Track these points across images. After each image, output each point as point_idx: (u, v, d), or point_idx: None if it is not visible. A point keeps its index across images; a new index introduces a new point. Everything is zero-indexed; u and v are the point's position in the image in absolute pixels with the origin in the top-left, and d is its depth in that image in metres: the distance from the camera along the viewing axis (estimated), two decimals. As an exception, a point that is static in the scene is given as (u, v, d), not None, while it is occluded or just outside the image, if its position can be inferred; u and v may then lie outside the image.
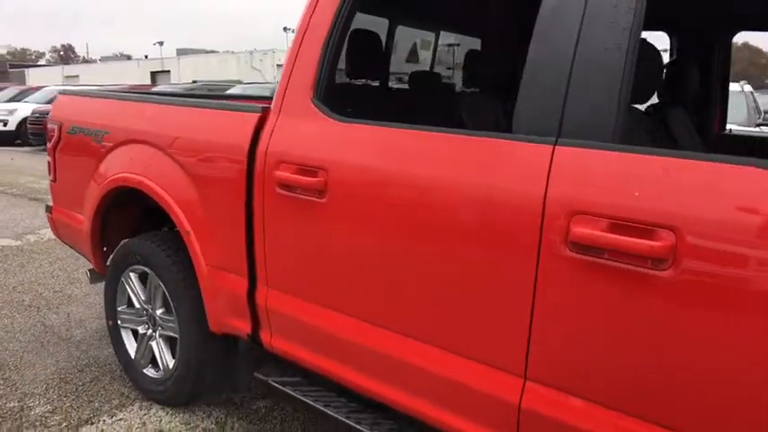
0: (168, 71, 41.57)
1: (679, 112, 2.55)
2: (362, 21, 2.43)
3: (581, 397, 1.39)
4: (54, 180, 3.09)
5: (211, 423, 2.52)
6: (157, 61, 45.28)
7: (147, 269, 2.57)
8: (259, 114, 2.04)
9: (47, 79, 38.68)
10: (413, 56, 2.85)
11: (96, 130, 2.72)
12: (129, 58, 59.29)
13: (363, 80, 2.37)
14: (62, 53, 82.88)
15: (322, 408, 1.91)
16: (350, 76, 2.25)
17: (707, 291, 1.19)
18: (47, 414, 2.57)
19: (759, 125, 7.24)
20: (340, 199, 1.76)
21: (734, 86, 8.42)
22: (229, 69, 34.86)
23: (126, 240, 2.71)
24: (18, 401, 2.66)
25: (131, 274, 2.67)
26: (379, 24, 2.70)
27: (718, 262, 1.17)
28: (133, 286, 2.67)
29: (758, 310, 1.13)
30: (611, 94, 1.33)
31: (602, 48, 1.36)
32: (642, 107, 2.33)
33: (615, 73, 1.34)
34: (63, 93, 3.16)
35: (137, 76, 38.53)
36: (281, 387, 2.04)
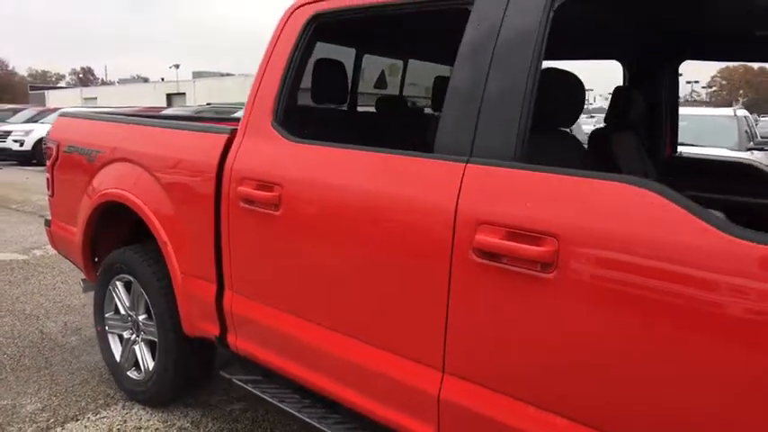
0: (183, 93, 42.47)
1: (628, 135, 2.72)
2: (330, 50, 2.66)
3: (492, 389, 1.56)
4: (52, 195, 3.33)
5: (187, 422, 2.70)
6: (173, 84, 46.27)
7: (131, 278, 2.78)
8: (227, 136, 2.26)
9: (66, 101, 39.73)
10: (381, 82, 3.07)
11: (89, 149, 2.96)
12: (146, 80, 60.69)
13: (329, 104, 2.58)
14: (81, 75, 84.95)
15: (277, 403, 2.09)
16: (315, 101, 2.46)
17: (585, 290, 1.36)
18: (36, 411, 2.76)
19: (749, 149, 7.34)
20: (291, 211, 1.96)
21: (726, 111, 8.57)
22: (244, 92, 35.52)
23: (113, 251, 2.92)
24: (11, 399, 2.86)
25: (118, 283, 2.88)
26: (349, 53, 2.92)
27: (594, 265, 1.34)
28: (119, 294, 2.88)
29: (629, 307, 1.30)
30: (514, 120, 1.53)
31: (508, 80, 1.56)
32: (587, 129, 2.52)
33: (517, 102, 1.53)
34: (62, 114, 3.41)
35: (153, 98, 39.35)
36: (242, 384, 2.22)
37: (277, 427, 2.66)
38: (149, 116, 3.04)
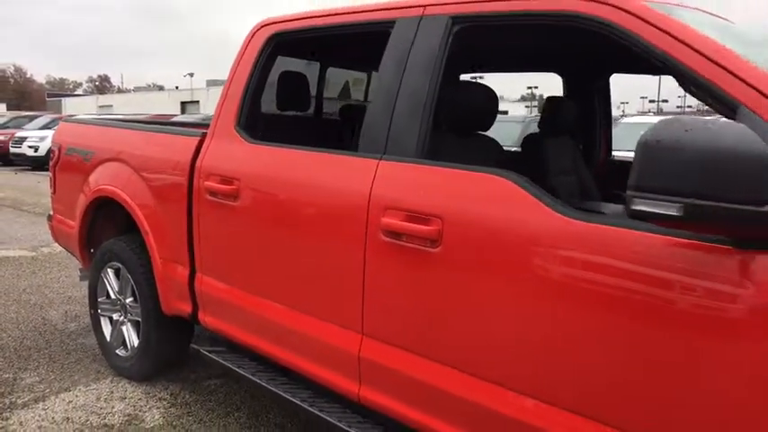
0: (197, 101, 43.24)
1: (563, 140, 3.02)
2: (295, 64, 3.00)
3: (401, 347, 1.87)
4: (54, 192, 3.70)
5: (167, 394, 3.03)
6: (187, 92, 47.14)
7: (120, 265, 3.12)
8: (199, 138, 2.61)
9: (82, 108, 40.59)
10: (345, 92, 3.41)
11: (86, 150, 3.32)
12: (161, 88, 61.74)
13: (293, 112, 2.91)
14: (98, 83, 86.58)
15: (236, 368, 2.41)
16: (279, 108, 2.80)
17: (462, 261, 1.67)
18: (34, 383, 3.11)
19: None
20: (246, 201, 2.30)
21: None
22: (254, 99, 36.03)
23: (105, 242, 3.27)
24: (12, 374, 3.21)
25: (108, 270, 3.22)
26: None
27: (467, 240, 1.66)
28: (110, 280, 3.23)
29: (493, 272, 1.61)
30: (416, 125, 1.85)
31: (414, 92, 1.88)
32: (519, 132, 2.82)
33: (419, 110, 1.85)
34: (64, 120, 3.79)
35: (167, 105, 40.12)
36: (208, 354, 2.55)
37: (248, 401, 2.97)
38: (138, 121, 3.39)
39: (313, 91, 3.31)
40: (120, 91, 73.35)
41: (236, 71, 2.56)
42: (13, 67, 71.00)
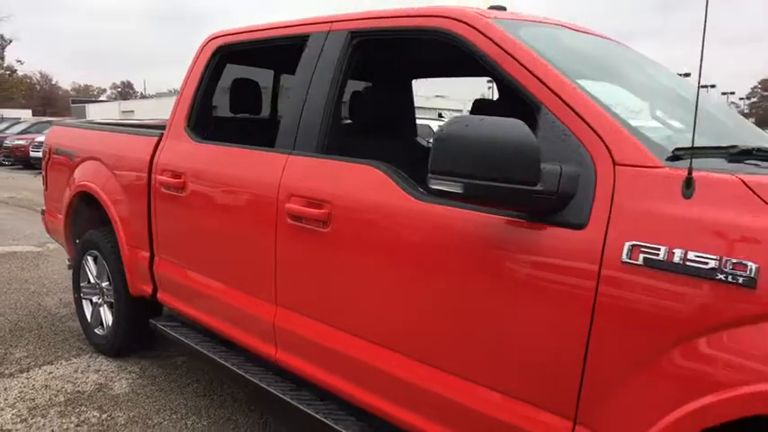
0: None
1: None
2: (256, 72, 3.33)
3: (305, 315, 2.18)
4: (46, 189, 4.10)
5: (137, 368, 3.38)
6: (205, 97, 47.86)
7: (97, 253, 3.49)
8: (157, 138, 2.96)
9: (105, 114, 41.59)
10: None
11: (71, 150, 3.70)
12: (181, 93, 62.67)
13: (246, 114, 3.24)
14: (121, 89, 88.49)
15: (183, 339, 2.75)
16: (232, 111, 3.14)
17: (346, 238, 1.98)
18: (22, 357, 3.49)
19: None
20: (189, 192, 2.64)
21: None
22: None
23: (86, 233, 3.64)
24: (4, 349, 3.60)
25: (88, 257, 3.59)
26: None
27: (348, 220, 1.97)
28: (89, 266, 3.60)
29: (369, 246, 1.92)
30: (318, 125, 2.17)
31: (317, 96, 2.20)
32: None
33: (321, 111, 2.17)
34: (55, 124, 4.18)
35: (185, 110, 40.68)
36: (163, 328, 2.90)
37: (207, 375, 3.31)
38: (114, 124, 3.76)
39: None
40: (142, 97, 74.93)
41: (188, 79, 2.90)
42: (39, 74, 72.98)
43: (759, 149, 1.59)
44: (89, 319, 3.64)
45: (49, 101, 70.46)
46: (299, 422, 2.72)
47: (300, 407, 2.15)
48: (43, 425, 2.74)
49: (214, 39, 2.87)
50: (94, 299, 3.61)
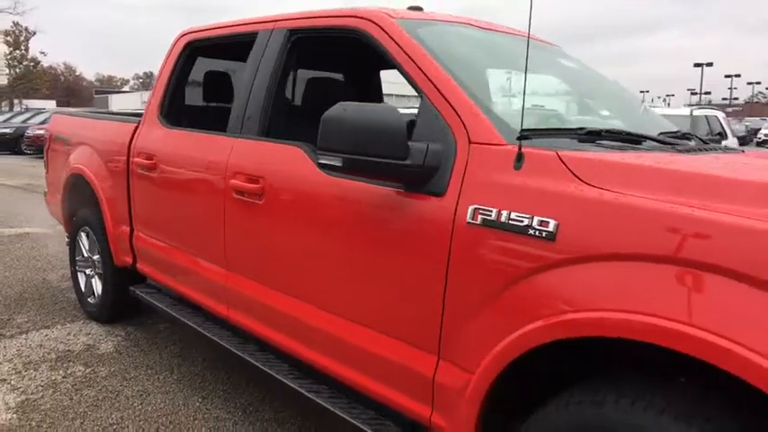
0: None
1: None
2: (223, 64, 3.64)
3: (249, 277, 2.51)
4: (47, 172, 4.49)
5: (123, 332, 3.75)
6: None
7: (89, 229, 3.86)
8: (135, 124, 3.30)
9: (127, 104, 42.52)
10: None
11: (67, 137, 4.08)
12: (201, 84, 63.58)
13: (220, 103, 3.57)
14: (143, 80, 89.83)
15: (155, 302, 3.11)
16: (206, 100, 3.46)
17: (276, 209, 2.30)
18: (23, 322, 3.89)
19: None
20: (159, 172, 2.98)
21: (682, 111, 9.07)
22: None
23: (80, 211, 4.02)
24: (8, 316, 4.00)
25: (82, 233, 3.97)
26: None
27: (278, 192, 2.28)
28: (83, 242, 3.98)
29: (289, 214, 2.23)
30: (260, 111, 2.48)
31: (260, 85, 2.51)
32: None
33: (263, 99, 2.48)
34: (55, 113, 4.57)
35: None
36: (140, 294, 3.26)
37: (184, 340, 3.67)
38: (104, 113, 4.13)
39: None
40: (163, 87, 75.86)
41: (162, 72, 3.24)
42: (63, 66, 74.52)
43: (608, 131, 1.87)
44: (83, 290, 4.03)
45: (73, 92, 71.88)
46: (257, 375, 3.05)
47: (243, 356, 2.49)
48: (34, 377, 3.13)
49: (184, 35, 3.20)
50: (87, 271, 3.99)
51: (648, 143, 1.95)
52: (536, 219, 1.51)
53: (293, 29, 2.50)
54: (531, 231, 1.51)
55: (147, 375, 3.16)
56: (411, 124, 1.83)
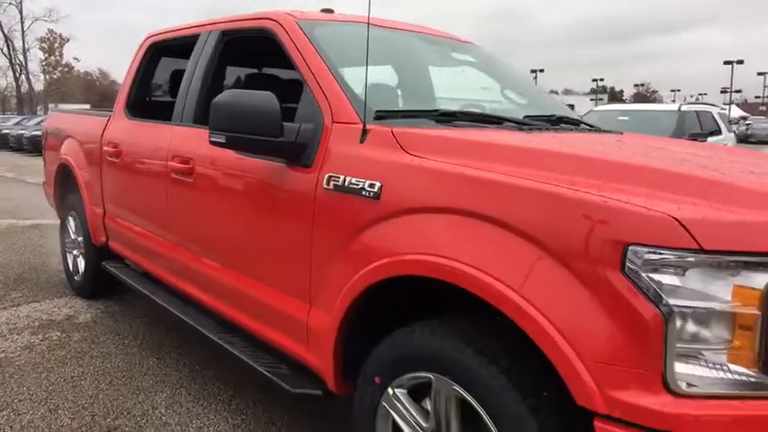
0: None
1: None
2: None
3: (188, 249, 2.87)
4: (45, 165, 4.95)
5: (102, 305, 4.17)
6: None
7: (75, 213, 4.29)
8: (108, 118, 3.71)
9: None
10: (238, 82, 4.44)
11: (58, 131, 4.53)
12: (228, 88, 65.02)
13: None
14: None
15: (119, 274, 3.50)
16: (171, 95, 3.85)
17: (202, 184, 2.65)
18: (17, 297, 4.34)
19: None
20: (123, 158, 3.37)
21: (671, 107, 9.16)
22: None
23: (68, 197, 4.45)
24: (4, 292, 4.46)
25: (70, 218, 4.41)
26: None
27: (203, 172, 2.63)
28: (70, 224, 4.41)
29: (208, 188, 2.58)
30: (195, 100, 2.84)
31: (198, 80, 2.88)
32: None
33: (198, 89, 2.84)
34: (53, 110, 5.03)
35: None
36: (110, 269, 3.66)
37: (154, 312, 4.05)
38: (90, 109, 4.57)
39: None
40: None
41: (129, 69, 3.65)
42: (98, 71, 77.04)
43: (462, 113, 2.18)
44: (71, 268, 4.47)
45: (106, 96, 74.10)
46: (203, 339, 3.41)
47: (182, 317, 2.86)
48: (16, 340, 3.55)
49: (148, 38, 3.60)
50: (74, 252, 4.42)
51: (506, 124, 2.25)
52: (367, 182, 1.83)
53: (225, 30, 2.86)
54: (364, 192, 1.83)
55: (114, 340, 3.56)
56: None
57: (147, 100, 3.70)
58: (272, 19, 2.52)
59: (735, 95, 62.53)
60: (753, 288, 1.26)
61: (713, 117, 9.48)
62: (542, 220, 1.42)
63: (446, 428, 1.65)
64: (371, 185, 1.81)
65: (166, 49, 3.60)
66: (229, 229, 2.49)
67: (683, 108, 8.72)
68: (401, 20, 2.92)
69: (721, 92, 64.36)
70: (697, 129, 8.59)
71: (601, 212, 1.34)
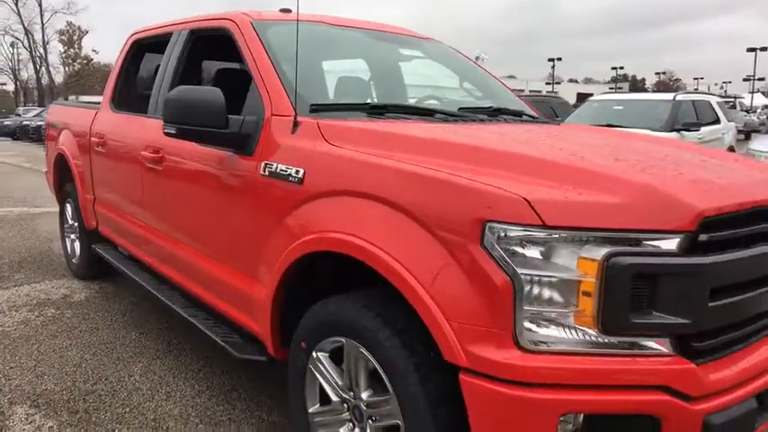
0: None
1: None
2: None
3: (161, 230, 3.12)
4: (46, 155, 5.26)
5: (97, 286, 4.47)
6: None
7: (71, 200, 4.59)
8: (96, 111, 3.98)
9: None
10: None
11: (58, 123, 4.82)
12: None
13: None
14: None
15: (108, 258, 3.78)
16: (144, 88, 4.09)
17: (169, 174, 2.90)
18: (20, 278, 4.66)
19: (675, 130, 8.05)
20: (107, 148, 3.64)
21: (666, 96, 9.19)
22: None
23: (66, 185, 4.75)
24: (9, 273, 4.79)
25: (67, 205, 4.71)
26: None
27: (171, 160, 2.88)
28: (68, 212, 4.71)
29: (172, 174, 2.82)
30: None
31: (169, 73, 3.11)
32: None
33: (168, 88, 3.08)
34: (54, 104, 5.33)
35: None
36: (98, 251, 3.95)
37: (143, 292, 4.34)
38: (86, 103, 4.85)
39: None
40: (211, 82, 78.63)
41: (115, 65, 3.90)
42: (118, 63, 78.24)
43: (394, 106, 2.38)
44: (69, 252, 4.77)
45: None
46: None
47: (153, 291, 3.12)
48: (14, 315, 3.86)
49: (133, 35, 3.85)
50: (72, 236, 4.73)
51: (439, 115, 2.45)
52: (293, 169, 2.05)
53: (192, 29, 3.10)
54: (291, 178, 2.05)
55: (102, 317, 3.85)
56: None
57: (130, 94, 3.95)
58: (230, 19, 2.74)
59: (759, 83, 61.29)
60: (593, 259, 1.46)
61: (711, 106, 9.49)
62: (421, 200, 1.63)
63: (356, 384, 1.88)
64: (297, 172, 2.03)
65: (148, 46, 3.84)
66: (191, 213, 2.74)
67: (679, 97, 8.75)
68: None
69: (744, 80, 63.12)
70: (692, 118, 8.63)
71: (466, 193, 1.55)
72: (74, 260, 4.68)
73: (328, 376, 2.00)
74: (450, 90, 2.98)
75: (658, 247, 1.50)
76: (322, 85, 2.71)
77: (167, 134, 2.35)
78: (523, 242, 1.48)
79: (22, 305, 4.05)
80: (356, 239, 1.75)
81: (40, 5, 44.32)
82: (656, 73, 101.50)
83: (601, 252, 1.46)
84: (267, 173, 2.17)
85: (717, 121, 9.42)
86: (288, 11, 3.01)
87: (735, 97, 31.88)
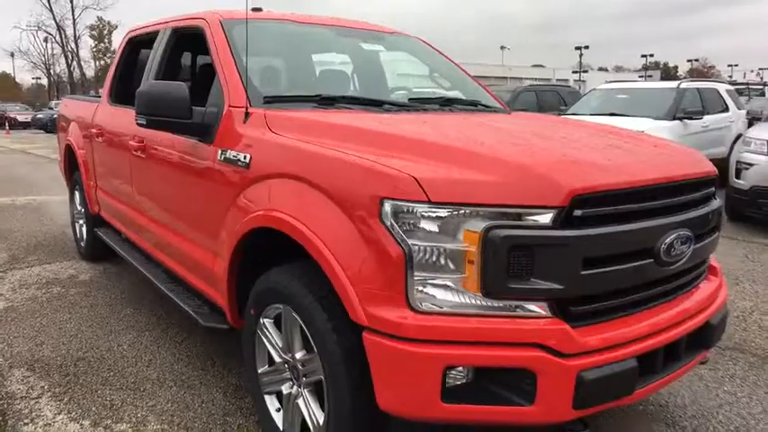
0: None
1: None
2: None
3: (146, 214, 3.41)
4: (58, 145, 5.62)
5: (102, 268, 4.80)
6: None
7: (78, 187, 4.93)
8: (98, 104, 4.29)
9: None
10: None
11: (67, 116, 5.16)
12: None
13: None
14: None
15: (107, 240, 4.10)
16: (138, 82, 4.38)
17: (150, 161, 3.17)
18: (33, 260, 5.03)
19: (677, 118, 8.05)
20: (104, 138, 3.94)
21: (670, 84, 9.16)
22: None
23: (74, 173, 5.09)
24: (24, 255, 5.17)
25: (76, 192, 5.05)
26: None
27: (151, 148, 3.15)
28: (77, 198, 5.06)
29: (159, 163, 3.09)
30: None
31: (153, 70, 3.38)
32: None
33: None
34: (65, 98, 5.68)
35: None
36: (99, 234, 4.27)
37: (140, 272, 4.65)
38: (92, 97, 5.18)
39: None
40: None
41: (114, 61, 4.20)
42: (148, 57, 79.93)
43: (344, 97, 2.60)
44: (78, 236, 5.13)
45: (155, 81, 76.69)
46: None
47: (140, 268, 3.41)
48: (23, 293, 4.21)
49: (129, 33, 4.14)
50: (80, 221, 5.07)
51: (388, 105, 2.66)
52: (242, 154, 2.29)
53: (175, 28, 3.36)
54: (240, 163, 2.29)
55: (103, 295, 4.17)
56: None
57: (125, 88, 4.24)
58: (203, 18, 2.99)
59: (793, 69, 59.25)
60: (474, 231, 1.67)
61: (719, 94, 9.42)
62: (333, 180, 1.86)
63: (291, 344, 2.12)
64: (245, 157, 2.28)
65: (142, 43, 4.12)
66: (168, 196, 3.01)
67: (683, 86, 8.72)
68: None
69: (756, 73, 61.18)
70: (697, 106, 8.60)
71: (367, 173, 1.77)
72: (81, 243, 5.03)
73: (272, 340, 2.24)
74: (417, 79, 3.17)
75: (536, 221, 1.69)
76: (278, 78, 2.94)
77: (139, 125, 2.61)
78: (414, 216, 1.69)
79: (31, 284, 4.41)
80: (285, 216, 1.99)
81: (71, 2, 45.54)
82: (689, 60, 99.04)
83: (481, 225, 1.66)
84: (223, 158, 2.42)
85: (725, 109, 9.35)
86: (259, 9, 3.24)
87: (765, 84, 30.99)
